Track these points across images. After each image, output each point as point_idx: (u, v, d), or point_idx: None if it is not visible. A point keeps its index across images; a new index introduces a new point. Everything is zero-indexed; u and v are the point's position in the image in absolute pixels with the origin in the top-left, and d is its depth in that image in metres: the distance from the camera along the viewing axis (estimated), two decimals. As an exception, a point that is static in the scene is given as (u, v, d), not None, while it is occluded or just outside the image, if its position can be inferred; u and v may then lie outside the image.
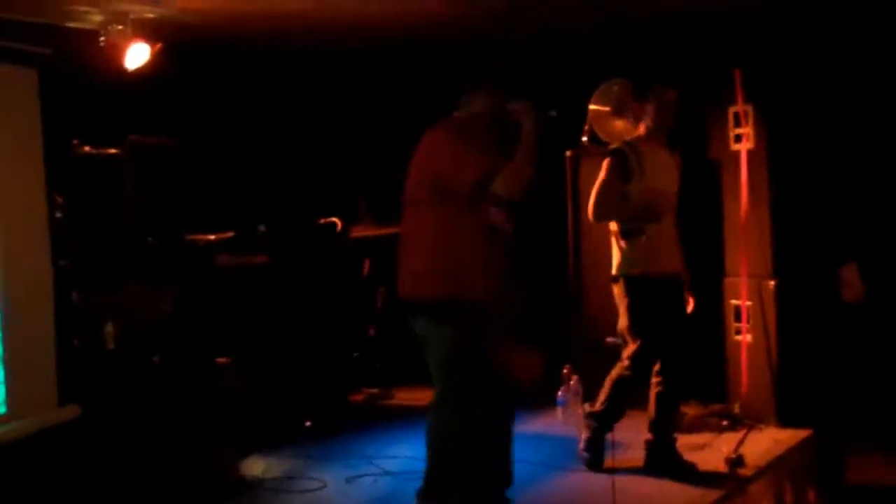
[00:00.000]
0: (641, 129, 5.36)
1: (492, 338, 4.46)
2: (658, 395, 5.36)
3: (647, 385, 5.40)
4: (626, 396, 5.37)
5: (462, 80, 4.62)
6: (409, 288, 4.55)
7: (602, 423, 5.39)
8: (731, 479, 5.24)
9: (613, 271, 5.39)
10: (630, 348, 5.30)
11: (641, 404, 5.55)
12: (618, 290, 5.39)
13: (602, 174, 5.30)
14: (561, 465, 5.50)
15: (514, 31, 7.04)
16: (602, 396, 5.40)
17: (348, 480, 5.36)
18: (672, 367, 5.33)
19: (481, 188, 4.29)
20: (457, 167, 4.33)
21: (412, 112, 8.12)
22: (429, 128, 4.56)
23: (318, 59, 7.71)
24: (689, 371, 5.46)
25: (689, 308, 5.49)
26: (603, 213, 5.31)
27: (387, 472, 5.47)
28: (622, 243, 5.33)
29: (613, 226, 5.37)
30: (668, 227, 5.37)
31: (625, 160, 5.25)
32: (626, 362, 5.31)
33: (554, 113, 4.56)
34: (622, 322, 5.34)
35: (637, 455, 5.50)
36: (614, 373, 5.37)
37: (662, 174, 5.32)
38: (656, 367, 5.35)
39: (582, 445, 5.45)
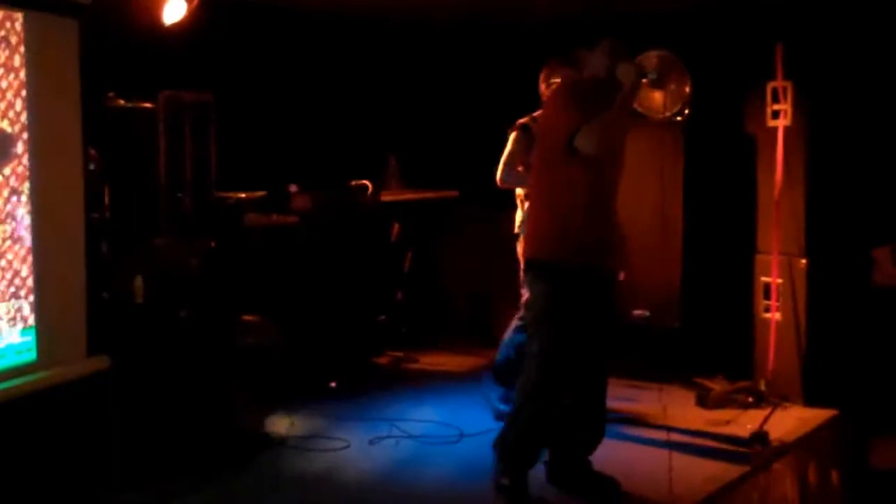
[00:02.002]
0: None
1: (589, 303, 4.51)
2: None
3: None
4: None
5: (581, 41, 4.71)
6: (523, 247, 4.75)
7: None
8: (754, 456, 5.22)
9: (515, 230, 5.84)
10: (525, 297, 5.56)
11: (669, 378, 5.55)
12: (520, 248, 5.70)
13: (508, 145, 5.74)
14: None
15: (556, 7, 6.99)
16: None
17: (371, 442, 5.40)
18: None
19: (569, 143, 4.35)
20: (552, 123, 4.52)
21: (447, 76, 8.15)
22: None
23: (354, 20, 7.68)
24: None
25: None
26: (508, 181, 5.76)
27: (409, 436, 5.50)
28: (526, 206, 5.71)
29: (520, 190, 5.83)
30: None
31: (529, 133, 5.60)
32: (523, 311, 5.65)
33: (654, 76, 4.84)
34: (522, 275, 5.54)
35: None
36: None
37: None
38: None
39: None
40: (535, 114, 5.71)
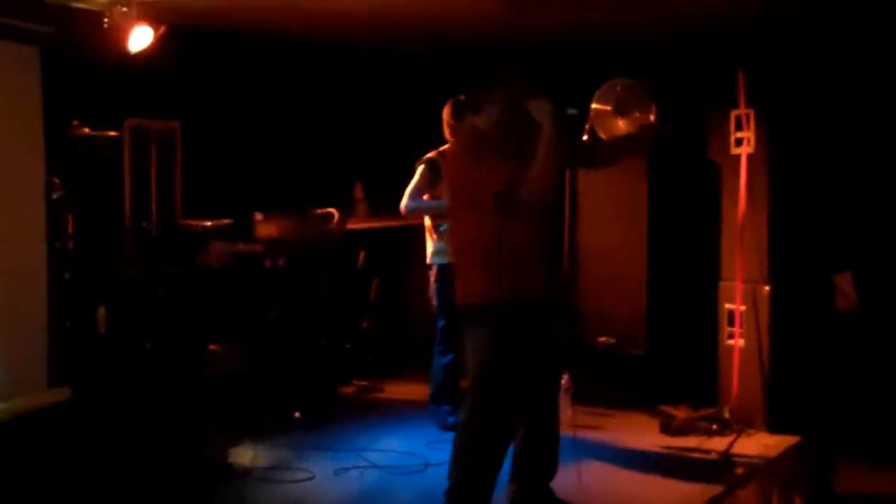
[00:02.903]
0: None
1: (531, 341, 4.42)
2: None
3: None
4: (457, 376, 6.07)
5: (476, 83, 4.55)
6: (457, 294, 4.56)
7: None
8: (719, 483, 5.23)
9: (427, 259, 6.17)
10: (440, 324, 6.13)
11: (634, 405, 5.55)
12: (431, 275, 6.14)
13: (415, 179, 6.02)
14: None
15: (521, 35, 7.03)
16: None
17: (336, 472, 5.35)
18: None
19: (505, 197, 4.22)
20: (477, 179, 4.30)
21: (412, 104, 8.17)
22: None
23: (318, 48, 7.70)
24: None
25: None
26: (415, 211, 6.06)
27: (374, 466, 5.46)
28: (434, 237, 6.11)
29: (427, 221, 6.16)
30: None
31: (436, 168, 5.91)
32: (439, 337, 6.16)
33: (574, 111, 4.53)
34: (434, 301, 6.14)
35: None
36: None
37: None
38: None
39: None
40: (443, 149, 5.91)
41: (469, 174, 4.38)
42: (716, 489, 5.16)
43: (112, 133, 6.07)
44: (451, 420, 5.99)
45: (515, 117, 4.37)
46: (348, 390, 7.18)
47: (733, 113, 6.29)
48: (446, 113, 5.95)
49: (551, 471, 4.70)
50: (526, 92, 4.37)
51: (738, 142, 6.28)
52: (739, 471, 5.43)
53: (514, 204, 4.23)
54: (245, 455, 5.58)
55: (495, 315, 4.35)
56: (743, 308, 6.23)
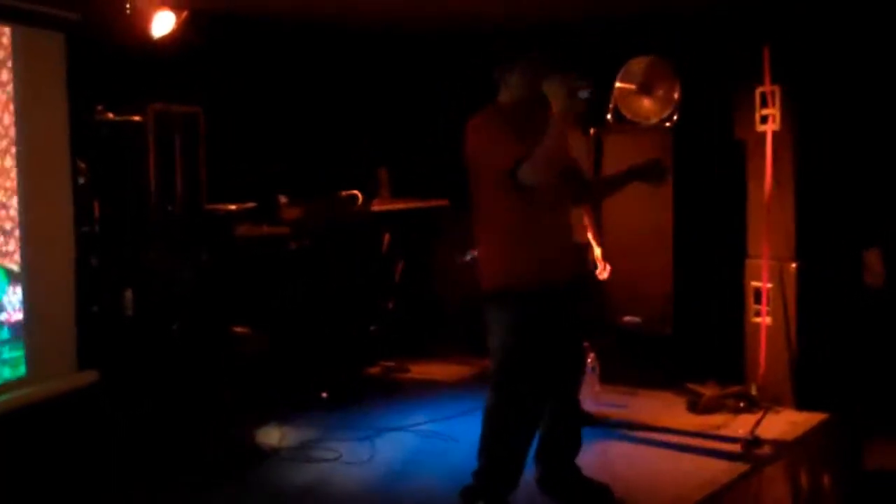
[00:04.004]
0: None
1: (554, 324, 4.41)
2: None
3: None
4: None
5: (499, 62, 4.42)
6: (479, 278, 4.51)
7: None
8: (747, 461, 5.22)
9: None
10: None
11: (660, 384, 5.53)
12: None
13: None
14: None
15: (543, 12, 7.00)
16: None
17: (363, 452, 5.36)
18: None
19: (510, 177, 4.16)
20: (488, 155, 4.25)
21: (436, 85, 8.17)
22: (470, 116, 4.43)
23: (343, 32, 7.69)
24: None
25: None
26: None
27: (401, 445, 5.49)
28: None
29: None
30: None
31: None
32: None
33: (586, 95, 4.22)
34: None
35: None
36: None
37: None
38: None
39: None
40: None
41: (485, 154, 4.29)
42: (743, 467, 5.16)
43: (136, 118, 6.09)
44: None
45: (533, 96, 4.29)
46: (374, 371, 7.20)
47: (758, 89, 6.24)
48: None
49: (576, 448, 4.70)
50: (543, 71, 4.25)
51: (764, 119, 6.23)
52: (767, 448, 5.41)
53: (517, 185, 4.17)
54: (272, 435, 5.62)
55: (517, 301, 4.33)
56: (770, 285, 6.20)
